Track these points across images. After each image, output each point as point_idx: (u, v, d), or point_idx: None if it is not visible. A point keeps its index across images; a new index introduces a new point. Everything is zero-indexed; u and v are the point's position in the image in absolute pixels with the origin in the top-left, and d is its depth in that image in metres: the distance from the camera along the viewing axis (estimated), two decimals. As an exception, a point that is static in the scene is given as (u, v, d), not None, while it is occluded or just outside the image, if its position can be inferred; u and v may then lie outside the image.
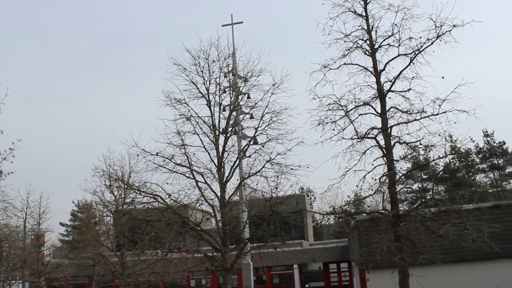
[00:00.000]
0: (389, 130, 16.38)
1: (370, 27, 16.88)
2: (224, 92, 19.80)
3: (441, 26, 15.80)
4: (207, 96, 19.64)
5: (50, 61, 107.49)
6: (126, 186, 24.26)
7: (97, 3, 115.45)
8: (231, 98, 19.89)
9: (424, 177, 53.05)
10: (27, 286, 35.54)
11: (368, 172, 16.27)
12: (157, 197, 18.82)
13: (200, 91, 19.68)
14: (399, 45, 16.47)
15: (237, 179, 19.99)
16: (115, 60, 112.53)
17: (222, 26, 23.56)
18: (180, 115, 19.49)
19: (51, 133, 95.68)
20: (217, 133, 19.43)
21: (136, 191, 19.80)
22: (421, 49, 16.16)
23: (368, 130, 16.57)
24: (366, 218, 20.11)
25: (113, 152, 27.04)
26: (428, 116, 15.95)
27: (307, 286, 36.75)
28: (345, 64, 16.95)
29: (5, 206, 27.75)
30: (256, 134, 19.68)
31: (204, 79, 19.70)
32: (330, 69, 16.94)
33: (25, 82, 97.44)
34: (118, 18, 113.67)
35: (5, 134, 12.94)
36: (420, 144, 16.12)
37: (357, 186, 16.49)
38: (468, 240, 14.93)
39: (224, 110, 19.75)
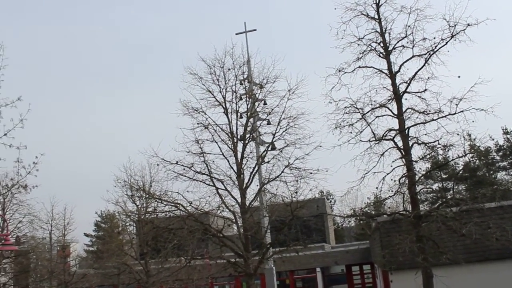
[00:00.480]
0: (406, 131, 16.39)
1: (383, 29, 16.95)
2: (241, 99, 20.04)
3: (455, 25, 15.82)
4: (224, 104, 19.90)
5: (55, 71, 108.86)
6: (147, 196, 24.66)
7: (118, 15, 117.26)
8: (247, 105, 20.12)
9: (444, 176, 52.36)
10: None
11: (387, 174, 16.31)
12: (178, 205, 19.10)
13: (216, 99, 19.96)
14: (413, 46, 16.50)
15: (257, 185, 20.20)
16: (128, 68, 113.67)
17: (236, 34, 23.69)
18: (198, 123, 19.82)
19: (61, 143, 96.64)
20: (235, 140, 19.64)
21: (158, 200, 20.17)
22: (435, 50, 16.17)
23: (386, 132, 16.63)
24: (387, 219, 20.05)
25: (134, 162, 27.50)
26: (445, 116, 15.93)
27: (330, 289, 36.76)
28: (359, 67, 17.04)
29: (31, 219, 28.47)
30: (274, 140, 19.87)
31: (220, 87, 19.98)
32: (345, 72, 17.05)
33: (29, 90, 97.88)
34: (127, 27, 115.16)
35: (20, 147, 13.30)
36: (439, 144, 16.10)
37: (376, 188, 16.54)
38: (491, 239, 14.86)
39: (241, 117, 19.98)
